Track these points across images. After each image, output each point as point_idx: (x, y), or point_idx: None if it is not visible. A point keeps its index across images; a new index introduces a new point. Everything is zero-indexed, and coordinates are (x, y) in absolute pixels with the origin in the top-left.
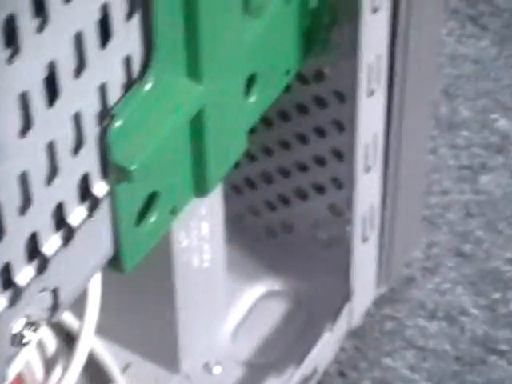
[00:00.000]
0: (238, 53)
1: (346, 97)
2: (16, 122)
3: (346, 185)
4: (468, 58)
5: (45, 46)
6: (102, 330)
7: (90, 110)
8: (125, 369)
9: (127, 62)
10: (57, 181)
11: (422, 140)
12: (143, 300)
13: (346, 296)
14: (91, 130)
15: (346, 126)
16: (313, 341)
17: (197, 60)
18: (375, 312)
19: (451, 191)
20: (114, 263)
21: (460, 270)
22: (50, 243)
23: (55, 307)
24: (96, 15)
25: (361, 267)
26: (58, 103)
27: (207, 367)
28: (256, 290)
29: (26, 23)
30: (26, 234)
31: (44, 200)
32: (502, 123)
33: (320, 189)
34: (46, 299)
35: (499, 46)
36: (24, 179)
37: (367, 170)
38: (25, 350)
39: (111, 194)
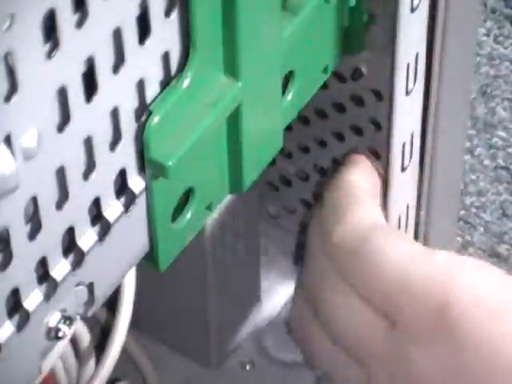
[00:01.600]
0: (276, 50)
1: (383, 95)
2: (54, 116)
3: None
4: (505, 58)
5: (84, 41)
6: (135, 325)
7: (128, 105)
8: (158, 364)
9: (165, 58)
10: (93, 176)
11: (459, 140)
12: (177, 295)
13: None
14: (128, 126)
15: (382, 125)
16: None
17: (235, 57)
18: None
19: (487, 192)
20: (150, 259)
21: None
22: (86, 238)
23: (90, 302)
24: (135, 11)
25: None
26: (96, 98)
27: (240, 363)
28: (290, 287)
29: (66, 18)
30: (63, 229)
31: (81, 195)
32: None
33: None
34: (82, 294)
35: None
36: (61, 174)
37: (403, 169)
38: (59, 344)
39: (147, 189)
